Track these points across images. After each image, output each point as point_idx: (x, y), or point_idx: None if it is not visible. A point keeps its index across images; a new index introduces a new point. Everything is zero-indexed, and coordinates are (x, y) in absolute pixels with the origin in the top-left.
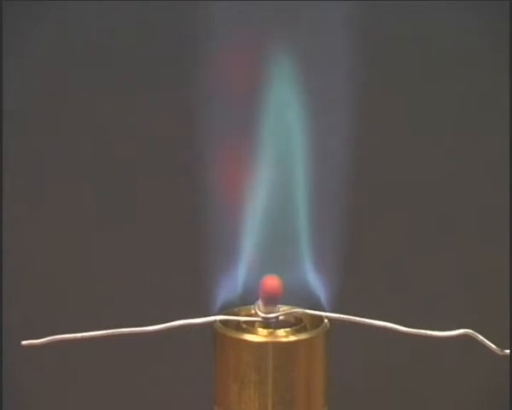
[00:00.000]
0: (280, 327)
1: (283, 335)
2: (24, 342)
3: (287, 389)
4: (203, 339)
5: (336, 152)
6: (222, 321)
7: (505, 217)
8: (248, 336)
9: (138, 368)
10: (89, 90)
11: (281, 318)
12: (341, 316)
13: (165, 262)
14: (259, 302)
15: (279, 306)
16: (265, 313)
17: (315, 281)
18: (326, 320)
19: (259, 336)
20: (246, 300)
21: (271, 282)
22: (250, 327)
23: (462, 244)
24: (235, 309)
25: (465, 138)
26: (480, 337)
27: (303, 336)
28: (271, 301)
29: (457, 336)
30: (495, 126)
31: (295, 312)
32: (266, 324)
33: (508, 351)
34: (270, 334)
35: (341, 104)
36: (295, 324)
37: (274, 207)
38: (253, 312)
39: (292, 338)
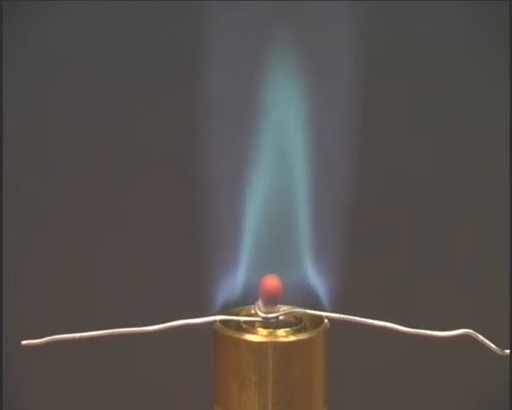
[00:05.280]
0: (280, 327)
1: (283, 335)
2: (24, 342)
3: (287, 389)
4: (203, 339)
5: (337, 151)
6: (222, 321)
7: (505, 217)
8: (248, 336)
9: (138, 368)
10: (89, 90)
11: (281, 318)
12: (341, 316)
13: (165, 262)
14: (259, 302)
15: (279, 306)
16: (265, 313)
17: (315, 281)
18: (326, 320)
19: (259, 336)
20: (246, 300)
21: (271, 282)
22: (250, 327)
23: (463, 244)
24: (235, 309)
25: (465, 138)
26: (480, 337)
27: (303, 336)
28: (271, 301)
29: (457, 336)
30: (495, 126)
31: (295, 312)
32: (266, 324)
33: (508, 351)
34: (270, 334)
35: (342, 103)
36: (295, 324)
37: (274, 207)
38: (253, 312)
39: (292, 338)
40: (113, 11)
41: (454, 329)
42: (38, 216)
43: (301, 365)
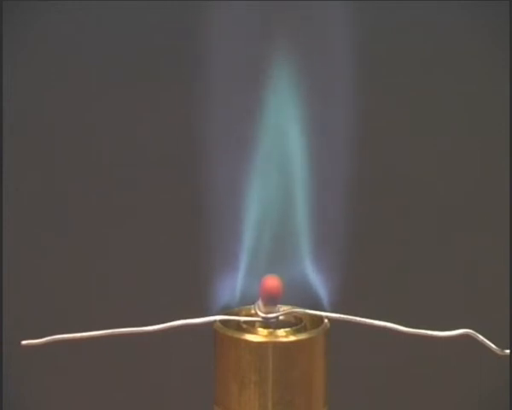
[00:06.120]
0: (280, 327)
1: (283, 335)
2: (24, 342)
3: (287, 389)
4: (203, 339)
5: (337, 150)
6: (222, 321)
7: (505, 217)
8: (248, 336)
9: (138, 368)
10: (89, 90)
11: (281, 318)
12: (341, 316)
13: (165, 262)
14: (259, 302)
15: (279, 306)
16: (265, 313)
17: (315, 281)
18: (326, 320)
19: (259, 336)
20: (246, 300)
21: (271, 282)
22: (250, 327)
23: (463, 244)
24: (235, 309)
25: (465, 138)
26: (480, 337)
27: (303, 336)
28: (271, 301)
29: (457, 336)
30: (495, 126)
31: (295, 312)
32: (266, 324)
33: (508, 351)
34: (270, 334)
35: (342, 103)
36: (295, 324)
37: (274, 207)
38: (253, 312)
39: (292, 338)
40: (113, 11)
41: (454, 329)
42: (38, 216)
43: (301, 365)
